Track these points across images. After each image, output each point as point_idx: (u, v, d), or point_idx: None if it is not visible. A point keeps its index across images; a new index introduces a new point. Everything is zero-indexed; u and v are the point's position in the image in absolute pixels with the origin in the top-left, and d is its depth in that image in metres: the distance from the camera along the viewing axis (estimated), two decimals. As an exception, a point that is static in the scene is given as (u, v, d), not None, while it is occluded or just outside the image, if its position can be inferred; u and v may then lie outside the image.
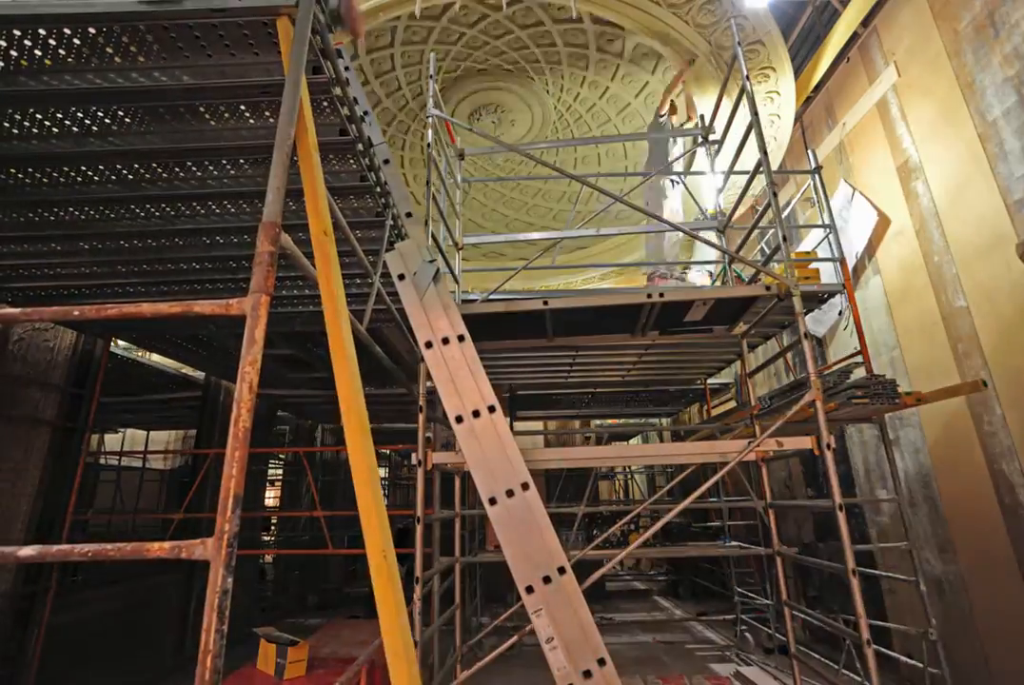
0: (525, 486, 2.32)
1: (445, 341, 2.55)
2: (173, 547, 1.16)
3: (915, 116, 4.51)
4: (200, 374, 6.35)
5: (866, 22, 5.12)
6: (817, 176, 4.09)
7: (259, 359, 1.35)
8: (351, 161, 2.56)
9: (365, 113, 2.73)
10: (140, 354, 6.11)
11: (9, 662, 3.50)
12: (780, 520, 6.05)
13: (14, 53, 2.03)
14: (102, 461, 7.92)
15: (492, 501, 2.32)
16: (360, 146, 2.46)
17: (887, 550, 4.63)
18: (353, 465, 1.36)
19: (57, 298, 3.71)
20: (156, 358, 6.20)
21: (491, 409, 2.41)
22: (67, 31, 1.99)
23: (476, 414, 2.42)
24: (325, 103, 2.25)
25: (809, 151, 4.31)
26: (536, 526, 2.29)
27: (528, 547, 2.27)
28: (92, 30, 1.99)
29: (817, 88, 5.90)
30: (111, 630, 4.48)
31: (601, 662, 2.15)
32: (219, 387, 6.36)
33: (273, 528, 9.39)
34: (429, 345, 2.55)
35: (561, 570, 2.26)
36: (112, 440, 8.88)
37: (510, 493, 2.31)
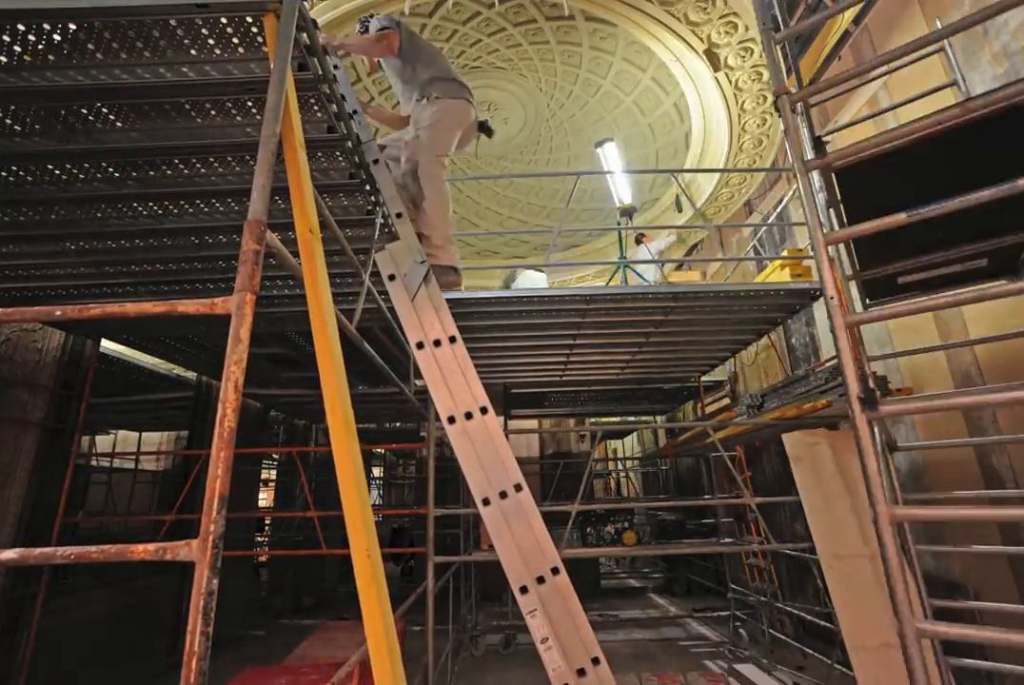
0: (518, 487, 2.32)
1: (437, 343, 2.54)
2: (158, 549, 1.15)
3: (906, 114, 4.52)
4: (192, 374, 6.30)
5: (857, 20, 5.14)
6: (809, 174, 4.09)
7: (244, 358, 1.33)
8: (340, 158, 2.54)
9: (354, 111, 2.71)
10: (144, 358, 6.05)
11: (-1, 666, 3.47)
12: (778, 516, 6.08)
13: (-6, 49, 2.00)
14: (93, 463, 7.86)
15: (486, 502, 2.31)
16: (349, 143, 2.44)
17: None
18: (338, 464, 1.35)
19: (44, 299, 3.67)
20: (147, 358, 6.14)
21: (483, 410, 2.41)
22: (47, 27, 1.96)
23: (469, 416, 2.41)
24: (312, 100, 2.23)
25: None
26: (529, 527, 2.28)
27: (522, 548, 2.27)
28: (73, 26, 1.96)
29: (809, 85, 5.92)
30: (102, 633, 4.45)
31: (595, 660, 2.15)
32: (211, 387, 6.32)
33: (267, 529, 9.35)
34: (420, 346, 2.54)
35: (555, 570, 2.25)
36: (104, 442, 8.81)
37: (503, 494, 2.31)
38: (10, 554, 1.16)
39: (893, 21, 4.67)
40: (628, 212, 6.14)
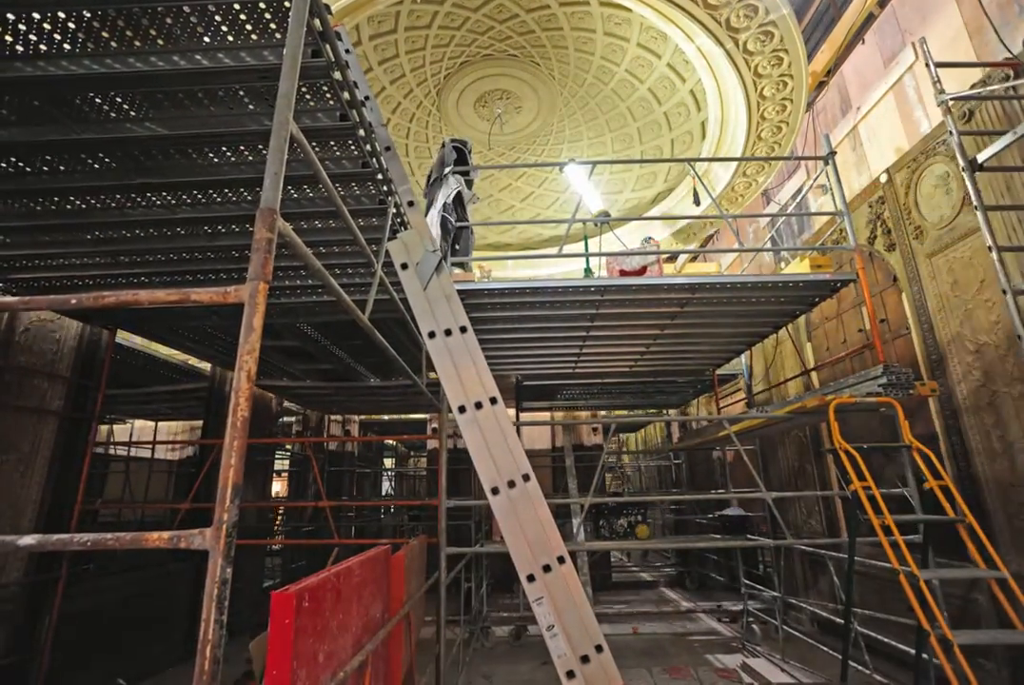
0: (527, 477, 2.31)
1: (448, 332, 2.52)
2: (172, 537, 1.15)
3: (933, 99, 4.37)
4: (206, 365, 6.37)
5: (883, 2, 4.96)
6: (830, 162, 3.98)
7: (257, 348, 1.32)
8: (352, 147, 2.52)
9: (366, 98, 2.68)
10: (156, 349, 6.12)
11: (22, 649, 3.56)
12: (792, 509, 6.01)
13: (8, 38, 2.00)
14: (112, 452, 8.00)
15: (495, 491, 2.31)
16: (361, 131, 2.41)
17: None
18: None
19: (61, 289, 3.71)
20: (163, 349, 6.21)
21: (493, 401, 2.40)
22: (62, 14, 1.95)
23: (479, 406, 2.40)
24: (325, 87, 2.20)
25: (822, 136, 4.20)
26: (536, 517, 2.28)
27: (529, 537, 2.27)
28: (87, 14, 1.95)
29: (831, 71, 5.75)
30: (122, 618, 4.54)
31: (599, 648, 2.16)
32: (224, 378, 6.38)
33: (280, 518, 9.49)
34: (432, 335, 2.53)
35: (561, 559, 2.25)
36: (121, 431, 8.96)
37: (511, 484, 2.31)
38: (28, 540, 1.17)
39: (922, 2, 4.50)
40: (605, 214, 6.74)
